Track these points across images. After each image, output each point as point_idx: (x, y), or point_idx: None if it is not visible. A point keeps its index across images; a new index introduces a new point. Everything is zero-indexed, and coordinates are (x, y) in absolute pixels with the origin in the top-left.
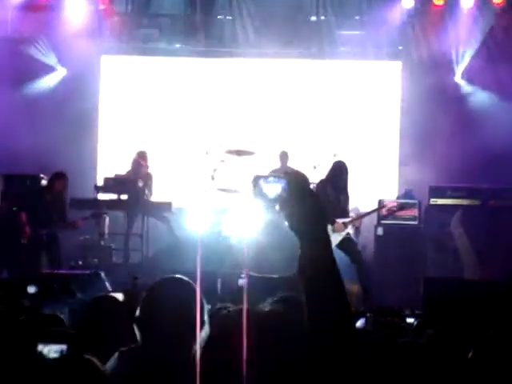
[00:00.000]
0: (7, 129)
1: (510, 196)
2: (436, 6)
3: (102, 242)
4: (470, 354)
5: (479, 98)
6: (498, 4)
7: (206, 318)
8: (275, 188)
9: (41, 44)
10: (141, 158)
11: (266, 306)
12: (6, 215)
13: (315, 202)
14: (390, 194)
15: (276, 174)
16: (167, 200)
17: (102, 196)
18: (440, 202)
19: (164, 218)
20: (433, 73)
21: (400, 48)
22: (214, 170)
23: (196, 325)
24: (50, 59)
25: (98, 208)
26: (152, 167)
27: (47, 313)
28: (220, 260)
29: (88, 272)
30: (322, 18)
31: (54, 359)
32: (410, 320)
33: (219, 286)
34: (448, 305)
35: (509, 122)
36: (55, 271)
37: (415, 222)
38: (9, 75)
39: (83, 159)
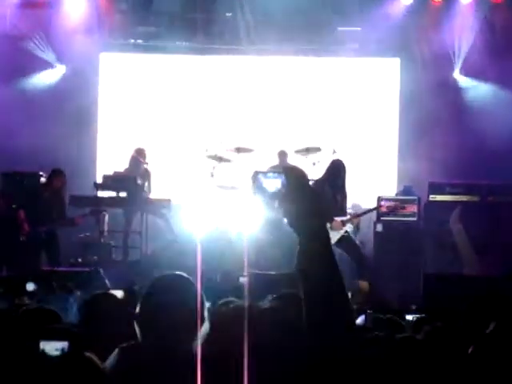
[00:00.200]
0: (5, 126)
1: (508, 192)
2: (435, 1)
3: (102, 240)
4: (470, 350)
5: (478, 93)
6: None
7: (205, 314)
8: (275, 183)
9: (39, 41)
10: (139, 154)
11: (265, 303)
12: (5, 213)
13: (314, 197)
14: (389, 191)
15: (275, 169)
16: (166, 197)
17: (101, 193)
18: (439, 198)
19: (163, 215)
20: (432, 69)
21: (399, 44)
22: (213, 167)
23: (196, 321)
24: (49, 56)
25: (97, 205)
26: (151, 164)
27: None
28: (219, 257)
29: (87, 269)
30: (321, 14)
31: (56, 357)
32: (409, 317)
33: (218, 282)
34: (447, 301)
35: (508, 117)
36: (54, 268)
37: (414, 219)
38: (7, 72)
39: (82, 156)
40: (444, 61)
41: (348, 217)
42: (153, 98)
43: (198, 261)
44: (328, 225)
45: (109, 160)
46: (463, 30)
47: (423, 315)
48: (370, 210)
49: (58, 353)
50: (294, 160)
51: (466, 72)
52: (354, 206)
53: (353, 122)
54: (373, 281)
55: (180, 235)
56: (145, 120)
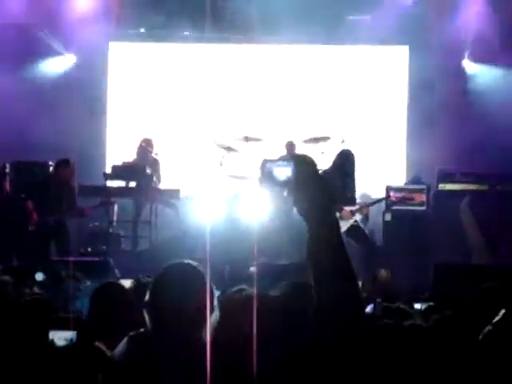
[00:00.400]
0: (15, 115)
1: None
2: None
3: (111, 230)
4: (480, 337)
5: (488, 80)
6: None
7: (215, 302)
8: (284, 172)
9: (48, 30)
10: (147, 144)
11: (276, 292)
12: (15, 203)
13: (323, 186)
14: (398, 179)
15: (285, 157)
16: (176, 187)
17: (110, 183)
18: (448, 187)
19: (172, 205)
20: (441, 56)
21: (408, 32)
22: (223, 157)
23: (206, 310)
24: (58, 46)
25: (106, 195)
26: (160, 154)
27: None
28: (229, 246)
29: (97, 259)
30: (331, 3)
31: (64, 346)
32: (417, 305)
33: (227, 272)
34: (457, 290)
35: None
36: (64, 258)
37: (423, 208)
38: (16, 61)
39: (92, 146)
40: (453, 48)
41: (357, 206)
42: (162, 88)
43: (207, 249)
44: (337, 214)
45: (118, 150)
46: (472, 15)
47: (432, 304)
48: (379, 200)
49: (66, 343)
50: (302, 149)
51: (476, 58)
52: (362, 196)
53: (362, 110)
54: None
55: (189, 225)
56: (154, 109)
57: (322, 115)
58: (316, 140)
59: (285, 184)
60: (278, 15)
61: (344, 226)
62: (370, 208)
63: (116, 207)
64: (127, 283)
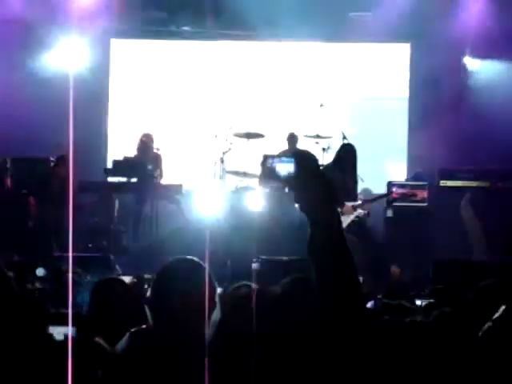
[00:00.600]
0: (16, 111)
1: None
2: None
3: (112, 226)
4: (480, 333)
5: (489, 77)
6: None
7: (216, 299)
8: (285, 168)
9: (50, 27)
10: (147, 139)
11: (277, 288)
12: (16, 199)
13: (325, 182)
14: (400, 176)
15: (285, 154)
16: (178, 182)
17: (111, 179)
18: (449, 183)
19: (174, 201)
20: (443, 53)
21: (409, 29)
22: (224, 153)
23: (207, 305)
24: (60, 42)
25: (107, 191)
26: (162, 150)
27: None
28: (230, 242)
29: (98, 255)
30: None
31: (63, 341)
32: (418, 302)
33: (229, 267)
34: (457, 286)
35: None
36: (64, 254)
37: (425, 204)
38: (17, 57)
39: (93, 142)
40: (455, 45)
41: (359, 202)
42: (163, 84)
43: (208, 245)
44: (338, 209)
45: (120, 145)
46: (474, 11)
47: (432, 300)
48: (380, 196)
49: (65, 338)
50: (304, 145)
51: (477, 55)
52: (364, 191)
53: (363, 107)
54: (383, 266)
55: (191, 220)
56: (155, 105)
57: (324, 112)
58: (318, 136)
59: (286, 180)
60: (279, 11)
61: (346, 221)
62: (372, 205)
63: (117, 203)
64: (128, 279)
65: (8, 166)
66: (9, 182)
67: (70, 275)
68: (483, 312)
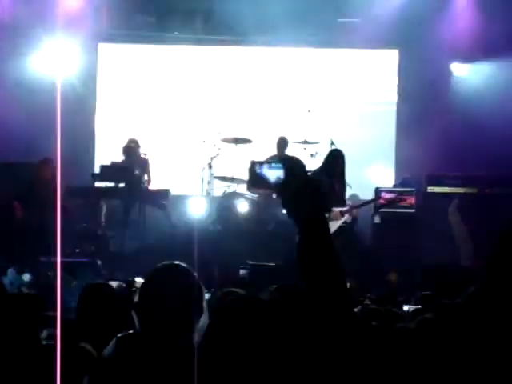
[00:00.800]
0: (2, 115)
1: (506, 184)
2: None
3: (99, 231)
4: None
5: (477, 84)
6: None
7: (204, 305)
8: (273, 174)
9: (38, 31)
10: (134, 145)
11: (265, 294)
12: (1, 204)
13: (313, 188)
14: (387, 182)
15: (273, 159)
16: (164, 188)
17: (99, 184)
18: (437, 190)
19: (161, 206)
20: (430, 60)
21: (397, 36)
22: (212, 158)
23: (195, 312)
24: (47, 46)
25: (94, 196)
26: (149, 155)
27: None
28: (217, 248)
29: (85, 260)
30: (321, 6)
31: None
32: (406, 307)
33: (216, 274)
34: (444, 292)
35: (507, 109)
36: (51, 259)
37: (412, 210)
38: (4, 61)
39: (81, 147)
40: (443, 51)
41: (346, 207)
42: (151, 89)
43: (195, 251)
44: (326, 215)
45: (107, 151)
46: (461, 18)
47: (419, 306)
48: (368, 202)
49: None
50: (292, 151)
51: (465, 61)
52: (351, 197)
53: (351, 113)
54: (371, 272)
55: (178, 226)
56: (143, 110)
57: (313, 117)
58: (306, 142)
59: (274, 186)
60: (268, 17)
61: (333, 227)
62: (359, 210)
63: (104, 208)
64: (115, 284)
65: None
66: None
67: (59, 280)
68: (472, 318)
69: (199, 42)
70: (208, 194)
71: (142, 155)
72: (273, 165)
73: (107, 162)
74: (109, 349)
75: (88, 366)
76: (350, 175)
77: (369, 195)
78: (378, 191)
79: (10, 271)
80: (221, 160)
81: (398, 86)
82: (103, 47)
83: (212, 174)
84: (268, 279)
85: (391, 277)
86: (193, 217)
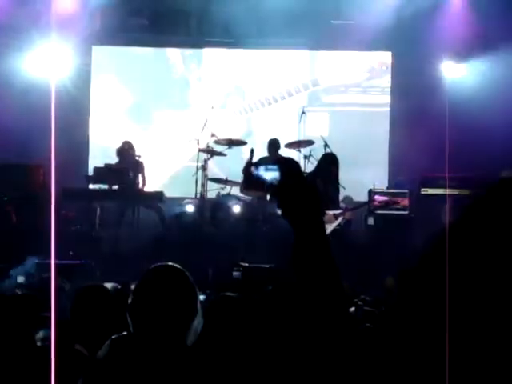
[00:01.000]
0: None
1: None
2: None
3: (93, 233)
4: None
5: (470, 85)
6: None
7: (198, 306)
8: (268, 175)
9: (31, 32)
10: (128, 147)
11: (259, 296)
12: None
13: (308, 189)
14: (381, 184)
15: (267, 161)
16: (159, 189)
17: (93, 186)
18: (431, 191)
19: (156, 208)
20: (423, 62)
21: (391, 38)
22: (205, 160)
23: (188, 313)
24: (41, 49)
25: (89, 198)
26: (144, 157)
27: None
28: (212, 249)
29: (78, 262)
30: (315, 7)
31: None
32: None
33: (210, 275)
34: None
35: (500, 109)
36: (45, 261)
37: (406, 212)
38: None
39: (75, 149)
40: (436, 53)
41: (340, 210)
42: (145, 91)
43: (190, 253)
44: None
45: (101, 153)
46: (453, 19)
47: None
48: (362, 205)
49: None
50: (285, 153)
51: (458, 63)
52: (345, 199)
53: (344, 115)
54: (365, 273)
55: (172, 228)
56: (137, 112)
57: (305, 118)
58: (299, 144)
59: (269, 187)
60: (262, 19)
61: (327, 229)
62: (353, 213)
63: (98, 210)
64: (110, 286)
65: None
66: None
67: (53, 282)
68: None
69: (193, 43)
70: (202, 195)
71: (136, 157)
72: (269, 166)
73: (101, 165)
74: (103, 350)
75: (82, 367)
76: (343, 177)
77: (362, 197)
78: (371, 193)
79: (30, 260)
80: (215, 162)
81: (392, 87)
82: (97, 50)
83: (206, 176)
84: (261, 281)
85: (388, 282)
86: (187, 219)
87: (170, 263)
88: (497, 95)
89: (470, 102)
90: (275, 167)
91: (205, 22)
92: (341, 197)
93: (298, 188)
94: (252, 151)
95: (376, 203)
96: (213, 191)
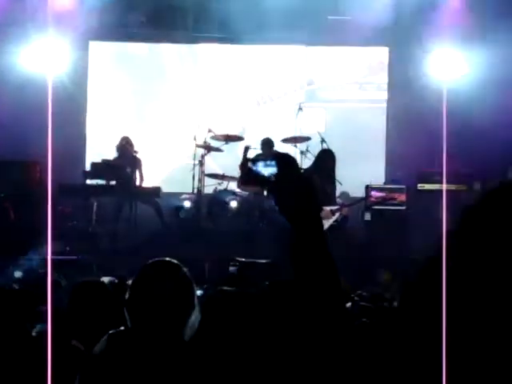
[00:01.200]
0: None
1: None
2: None
3: (90, 228)
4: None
5: (468, 81)
6: None
7: (195, 301)
8: (266, 171)
9: (28, 28)
10: (126, 143)
11: (256, 291)
12: None
13: (305, 185)
14: (378, 179)
15: (266, 157)
16: (156, 185)
17: (90, 181)
18: (427, 187)
19: (153, 203)
20: (420, 57)
21: (388, 33)
22: (203, 156)
23: (186, 308)
24: (38, 44)
25: (86, 194)
26: (141, 152)
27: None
28: (208, 244)
29: (76, 258)
30: (312, 3)
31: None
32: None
33: (207, 270)
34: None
35: (497, 105)
36: (42, 256)
37: (403, 207)
38: None
39: (72, 144)
40: (432, 48)
41: (337, 206)
42: (142, 86)
43: (187, 248)
44: None
45: (99, 148)
46: (451, 16)
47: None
48: (359, 200)
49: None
50: (282, 148)
51: (455, 57)
52: (342, 194)
53: (341, 110)
54: (362, 269)
55: (169, 223)
56: (134, 108)
57: (302, 114)
58: (296, 139)
59: (266, 183)
60: (258, 15)
61: (324, 225)
62: (350, 208)
63: (95, 206)
64: (107, 281)
65: None
66: None
67: (49, 277)
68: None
69: (190, 39)
70: (199, 191)
71: (134, 153)
72: (268, 162)
73: (98, 160)
74: (100, 345)
75: (79, 362)
76: (340, 172)
77: (359, 193)
78: (368, 189)
79: (32, 255)
80: (212, 157)
81: (389, 83)
82: (94, 45)
83: (203, 172)
84: (258, 276)
85: (385, 276)
86: (184, 214)
87: (167, 258)
88: (494, 91)
89: (467, 98)
90: (272, 162)
91: (202, 17)
92: (338, 192)
93: (294, 183)
94: (247, 148)
95: (373, 199)
96: (210, 187)
